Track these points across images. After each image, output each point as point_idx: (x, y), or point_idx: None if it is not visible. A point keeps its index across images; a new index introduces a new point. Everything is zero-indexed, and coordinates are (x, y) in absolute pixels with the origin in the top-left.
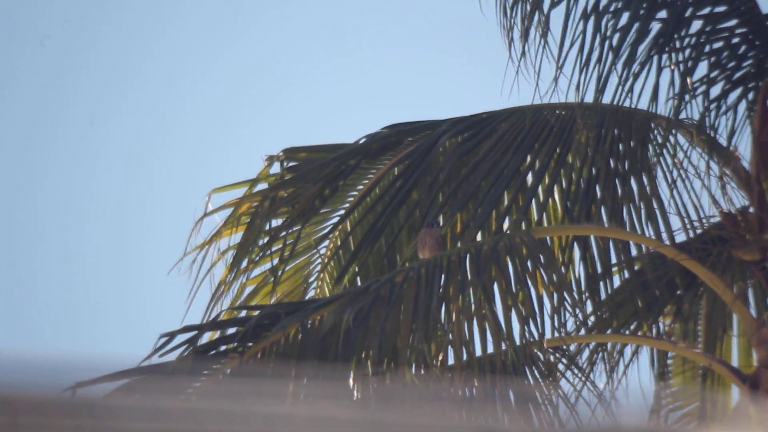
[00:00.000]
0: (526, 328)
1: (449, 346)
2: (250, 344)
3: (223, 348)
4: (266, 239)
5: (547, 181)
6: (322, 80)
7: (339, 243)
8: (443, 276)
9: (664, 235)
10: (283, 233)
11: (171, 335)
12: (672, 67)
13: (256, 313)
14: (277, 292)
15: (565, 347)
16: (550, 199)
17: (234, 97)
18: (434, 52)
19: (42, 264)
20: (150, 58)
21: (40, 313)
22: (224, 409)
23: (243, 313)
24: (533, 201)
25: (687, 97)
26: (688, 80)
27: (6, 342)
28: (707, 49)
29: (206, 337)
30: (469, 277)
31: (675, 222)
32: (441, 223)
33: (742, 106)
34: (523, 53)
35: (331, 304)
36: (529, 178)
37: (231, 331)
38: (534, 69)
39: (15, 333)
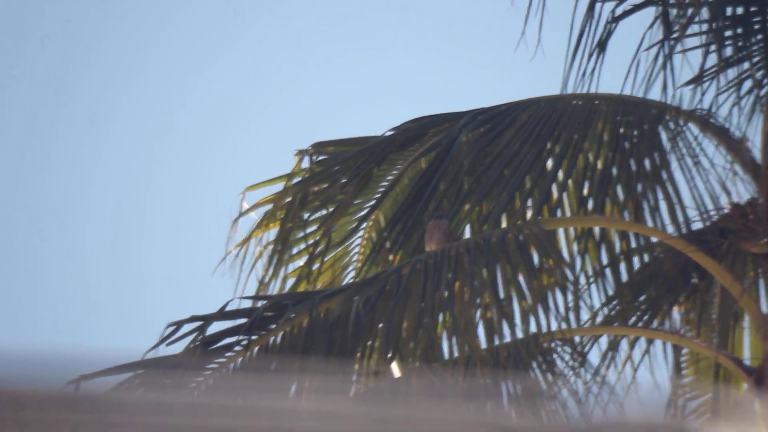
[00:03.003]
0: (534, 320)
1: (455, 339)
2: (256, 335)
3: (229, 340)
4: (301, 234)
5: (566, 165)
6: (322, 80)
7: (373, 234)
8: (451, 268)
9: (668, 227)
10: (317, 227)
11: (178, 324)
12: (683, 52)
13: (262, 303)
14: (318, 283)
15: (574, 339)
16: (569, 183)
17: (234, 97)
18: (436, 51)
19: (42, 264)
20: (150, 58)
21: (41, 312)
22: (230, 404)
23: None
24: (554, 187)
25: (700, 87)
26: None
27: (8, 340)
28: (718, 36)
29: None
30: (477, 268)
31: (684, 213)
32: (448, 216)
33: (752, 97)
34: (539, 41)
35: (339, 294)
36: (549, 165)
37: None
38: (543, 54)
39: (16, 332)
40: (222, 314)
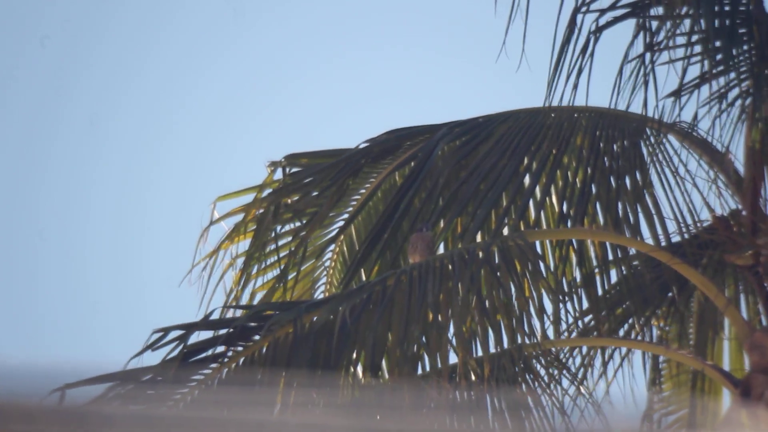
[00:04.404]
0: (517, 331)
1: (439, 351)
2: (241, 345)
3: (215, 350)
4: (273, 246)
5: (544, 182)
6: (323, 80)
7: (345, 247)
8: (435, 279)
9: (650, 240)
10: (290, 239)
11: (164, 331)
12: (668, 63)
13: (246, 312)
14: (288, 297)
15: (555, 351)
16: (547, 200)
17: (234, 97)
18: (436, 51)
19: (42, 264)
20: (150, 58)
21: (41, 312)
22: (217, 417)
23: (239, 313)
24: (531, 202)
25: (681, 100)
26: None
27: (7, 341)
28: (700, 49)
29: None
30: (461, 280)
31: (668, 225)
32: (431, 227)
33: (736, 109)
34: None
35: (324, 305)
36: (527, 180)
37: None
38: (526, 66)
39: (15, 333)
40: (207, 323)
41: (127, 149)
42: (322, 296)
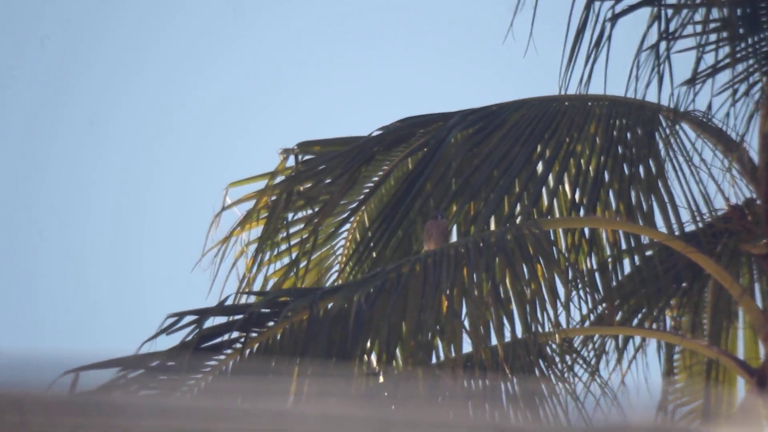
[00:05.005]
0: (532, 320)
1: (454, 339)
2: (255, 332)
3: (229, 336)
4: (285, 233)
5: (557, 169)
6: (323, 80)
7: (357, 234)
8: (450, 267)
9: (662, 227)
10: (302, 226)
11: (179, 316)
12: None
13: (262, 299)
14: (300, 284)
15: (570, 339)
16: (560, 188)
17: (234, 97)
18: (436, 51)
19: (42, 264)
20: (150, 58)
21: (41, 312)
22: (233, 407)
23: (252, 299)
24: (543, 190)
25: (695, 88)
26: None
27: (7, 341)
28: (715, 37)
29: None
30: (476, 268)
31: (682, 214)
32: (445, 214)
33: (751, 97)
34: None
35: (338, 291)
36: (539, 167)
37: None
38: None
39: (15, 332)
40: (221, 309)
41: (127, 149)
42: (334, 284)
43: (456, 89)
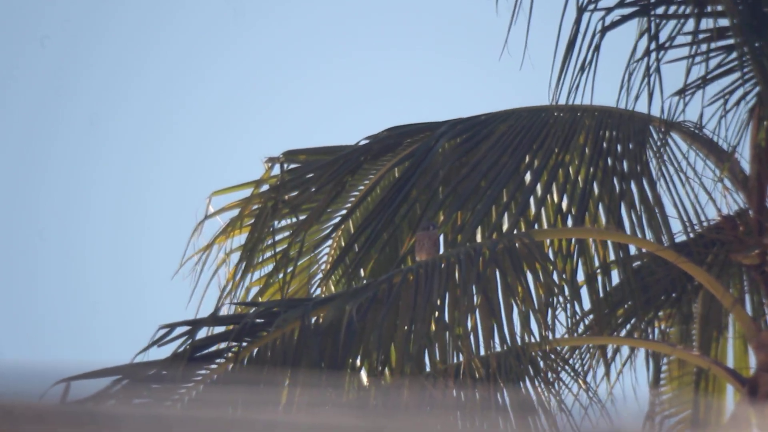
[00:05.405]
0: (524, 330)
1: (444, 350)
2: (246, 342)
3: (221, 345)
4: (269, 241)
5: (545, 180)
6: (323, 80)
7: (342, 242)
8: (441, 278)
9: (659, 237)
10: (286, 234)
11: (171, 327)
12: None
13: (254, 309)
14: (283, 293)
15: (560, 349)
16: (548, 198)
17: (234, 97)
18: (436, 51)
19: (42, 264)
20: (150, 58)
21: (41, 312)
22: (225, 417)
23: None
24: (532, 200)
25: (685, 98)
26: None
27: (7, 340)
28: (705, 47)
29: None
30: (468, 279)
31: (673, 223)
32: (437, 225)
33: (742, 108)
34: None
35: (330, 302)
36: (527, 178)
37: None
38: (530, 65)
39: (15, 333)
40: (214, 319)
41: (127, 149)
42: (318, 292)
43: (456, 89)
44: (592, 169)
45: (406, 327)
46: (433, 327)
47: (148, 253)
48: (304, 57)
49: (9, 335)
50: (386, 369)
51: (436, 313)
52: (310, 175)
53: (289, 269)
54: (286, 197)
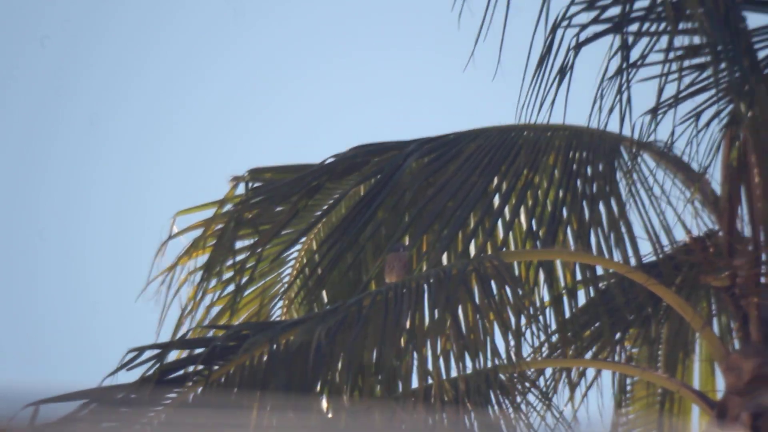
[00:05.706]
0: (493, 353)
1: (413, 373)
2: (217, 366)
3: (189, 369)
4: (231, 261)
5: (513, 202)
6: (323, 80)
7: (304, 261)
8: (411, 300)
9: (627, 259)
10: (248, 254)
11: (139, 350)
12: (645, 79)
13: (224, 332)
14: (243, 313)
15: (528, 372)
16: (516, 220)
17: (234, 97)
18: (436, 51)
19: (42, 264)
20: (150, 58)
21: (41, 312)
22: None
23: (211, 333)
24: (500, 222)
25: (657, 117)
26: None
27: (7, 340)
28: (678, 66)
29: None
30: (437, 301)
31: (643, 245)
32: (407, 247)
33: (713, 128)
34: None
35: (299, 325)
36: (496, 199)
37: (198, 351)
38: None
39: (15, 333)
40: (182, 342)
41: (127, 149)
42: (279, 311)
43: (456, 89)
44: (561, 192)
45: (375, 350)
46: (401, 350)
47: (148, 253)
48: (304, 57)
49: (9, 335)
50: (355, 391)
51: (405, 336)
52: (273, 194)
53: (250, 289)
54: (249, 216)
